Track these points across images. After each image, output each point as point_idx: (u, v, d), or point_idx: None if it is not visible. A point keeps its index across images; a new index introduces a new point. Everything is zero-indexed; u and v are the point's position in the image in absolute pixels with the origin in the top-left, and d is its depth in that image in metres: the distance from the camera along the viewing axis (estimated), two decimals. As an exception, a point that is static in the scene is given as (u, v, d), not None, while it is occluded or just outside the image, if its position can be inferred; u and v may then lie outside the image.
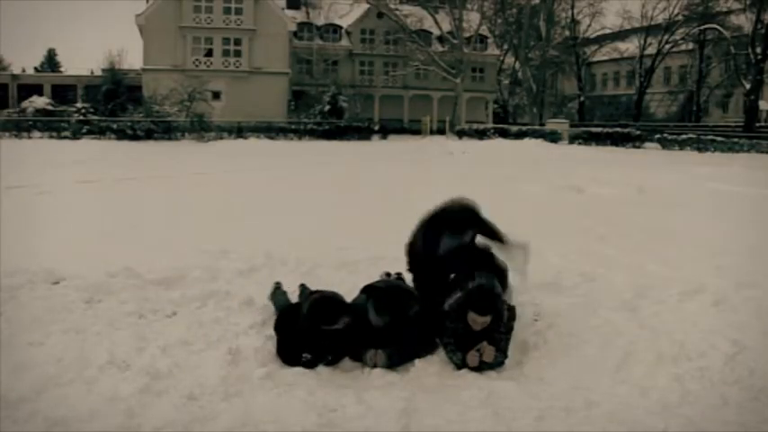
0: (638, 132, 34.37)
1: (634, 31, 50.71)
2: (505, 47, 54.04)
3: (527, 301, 4.82)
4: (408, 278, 4.59)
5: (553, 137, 35.26)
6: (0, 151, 19.99)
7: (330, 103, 37.45)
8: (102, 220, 8.62)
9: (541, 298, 5.05)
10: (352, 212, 9.48)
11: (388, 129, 39.10)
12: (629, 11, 51.55)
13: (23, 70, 48.10)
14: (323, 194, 11.76)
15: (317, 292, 4.26)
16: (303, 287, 4.66)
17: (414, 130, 43.16)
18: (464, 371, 3.70)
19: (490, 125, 40.73)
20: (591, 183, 13.49)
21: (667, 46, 47.93)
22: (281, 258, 5.86)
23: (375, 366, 3.71)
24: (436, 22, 44.34)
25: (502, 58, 54.09)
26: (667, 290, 5.25)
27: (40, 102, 36.71)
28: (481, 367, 3.72)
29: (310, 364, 3.68)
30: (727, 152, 29.81)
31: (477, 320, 3.73)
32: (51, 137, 30.37)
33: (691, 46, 48.06)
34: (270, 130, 33.79)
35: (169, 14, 37.89)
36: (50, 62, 59.04)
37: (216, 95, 37.27)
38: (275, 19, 39.47)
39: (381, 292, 3.95)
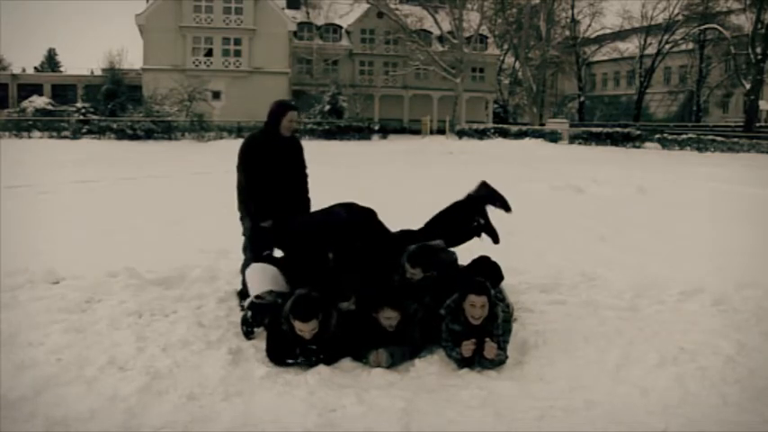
0: (638, 132, 34.37)
1: (634, 31, 50.71)
2: (505, 47, 54.02)
3: (526, 300, 4.82)
4: None
5: (553, 137, 35.27)
6: (0, 151, 19.98)
7: (330, 103, 37.44)
8: (102, 220, 8.61)
9: (541, 298, 5.05)
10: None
11: (388, 129, 39.09)
12: (629, 11, 51.79)
13: (23, 70, 48.06)
14: (323, 194, 11.74)
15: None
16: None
17: (414, 129, 43.16)
18: (464, 371, 3.70)
19: (490, 125, 40.74)
20: (591, 183, 13.50)
21: (667, 46, 47.93)
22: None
23: (378, 366, 3.72)
24: (436, 22, 44.32)
25: (502, 58, 54.06)
26: (667, 290, 5.26)
27: (39, 102, 36.69)
28: (481, 363, 3.72)
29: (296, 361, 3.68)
30: (727, 152, 29.84)
31: (476, 302, 3.74)
32: (51, 137, 30.36)
33: (691, 46, 48.05)
34: (270, 130, 33.74)
35: (169, 14, 37.89)
36: (50, 62, 59.02)
37: (216, 95, 37.29)
38: (275, 19, 39.47)
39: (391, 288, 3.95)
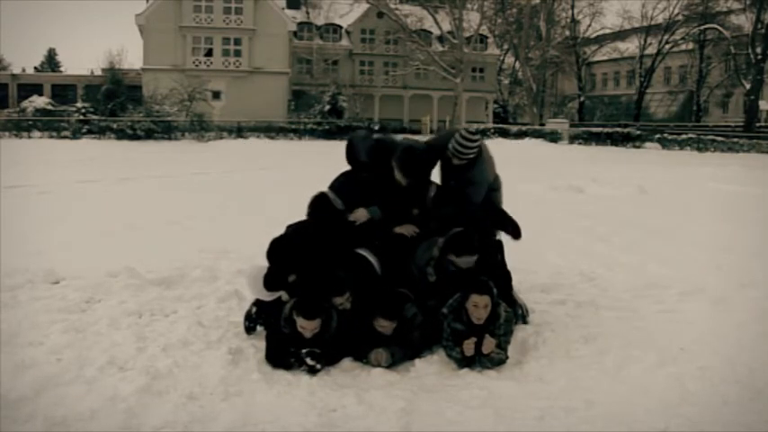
0: (638, 132, 34.42)
1: (634, 31, 50.73)
2: (505, 47, 54.06)
3: (526, 300, 4.81)
4: None
5: (553, 137, 35.28)
6: (0, 151, 19.98)
7: (330, 103, 37.44)
8: (102, 220, 8.61)
9: (541, 298, 5.05)
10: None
11: (389, 128, 39.07)
12: (629, 11, 51.72)
13: (23, 70, 48.09)
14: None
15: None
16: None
17: (414, 129, 43.09)
18: (464, 371, 3.70)
19: (490, 125, 40.73)
20: (591, 183, 13.50)
21: (667, 46, 47.95)
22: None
23: (378, 365, 3.72)
24: (436, 22, 44.31)
25: (502, 58, 54.10)
26: (667, 290, 5.26)
27: (39, 102, 36.69)
28: (481, 362, 3.72)
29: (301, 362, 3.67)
30: (728, 152, 29.86)
31: (479, 302, 3.74)
32: (51, 137, 30.37)
33: (691, 46, 48.07)
34: (270, 130, 33.81)
35: (169, 14, 37.89)
36: (50, 62, 59.08)
37: (216, 95, 37.29)
38: (275, 19, 39.47)
39: (386, 296, 3.93)
